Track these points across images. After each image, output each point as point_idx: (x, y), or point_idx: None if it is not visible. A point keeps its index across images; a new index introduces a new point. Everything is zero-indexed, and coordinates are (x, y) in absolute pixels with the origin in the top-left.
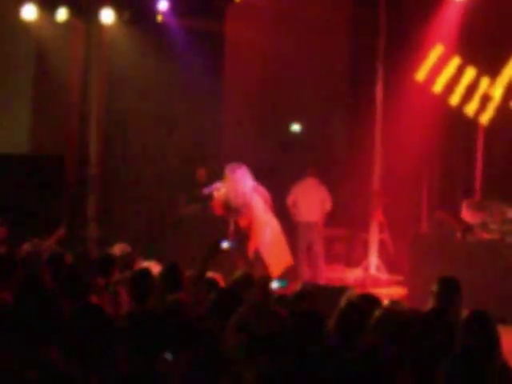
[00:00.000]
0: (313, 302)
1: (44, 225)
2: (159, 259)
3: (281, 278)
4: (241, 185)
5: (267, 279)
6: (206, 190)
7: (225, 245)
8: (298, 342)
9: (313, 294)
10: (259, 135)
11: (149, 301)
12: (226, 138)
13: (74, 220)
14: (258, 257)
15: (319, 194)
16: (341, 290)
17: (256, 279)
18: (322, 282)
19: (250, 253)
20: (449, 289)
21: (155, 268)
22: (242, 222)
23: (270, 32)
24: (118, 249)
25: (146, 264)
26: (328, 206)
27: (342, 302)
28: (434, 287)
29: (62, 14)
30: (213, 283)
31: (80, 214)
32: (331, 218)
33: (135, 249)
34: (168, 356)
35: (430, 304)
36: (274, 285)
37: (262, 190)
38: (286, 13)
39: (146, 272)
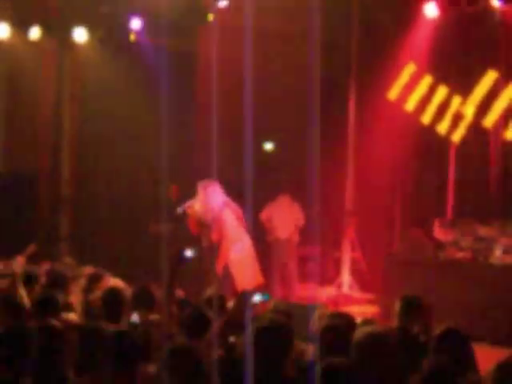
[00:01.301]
0: (287, 318)
1: (16, 242)
2: (130, 278)
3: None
4: (210, 200)
5: (248, 293)
6: (179, 209)
7: (188, 253)
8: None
9: (285, 311)
10: (232, 153)
11: (122, 319)
12: (199, 156)
13: (46, 238)
14: (227, 273)
15: (292, 211)
16: (312, 308)
17: (238, 292)
18: (294, 299)
19: (219, 268)
20: (409, 307)
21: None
22: (214, 237)
23: (243, 50)
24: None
25: (113, 282)
26: (300, 223)
27: (314, 320)
28: (396, 306)
29: (34, 32)
30: (185, 301)
31: (52, 232)
32: (304, 237)
33: (106, 267)
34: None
35: (393, 322)
36: (256, 298)
37: (234, 206)
38: (258, 30)
39: (117, 291)
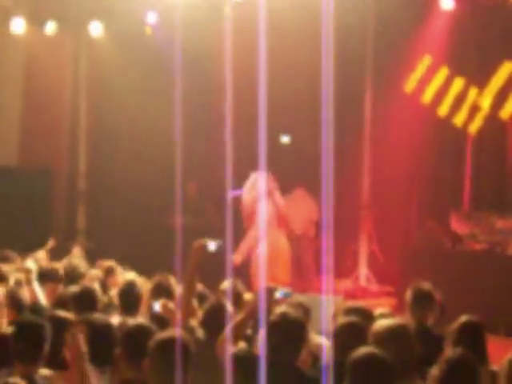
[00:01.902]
0: (304, 312)
1: (33, 237)
2: (148, 271)
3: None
4: (255, 189)
5: (273, 288)
6: (231, 194)
7: (211, 246)
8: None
9: (301, 304)
10: (248, 147)
11: (137, 312)
12: (215, 151)
13: (64, 232)
14: (247, 265)
15: (308, 205)
16: (329, 299)
17: (262, 287)
18: (312, 292)
19: (237, 257)
20: (420, 298)
21: (139, 280)
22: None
23: (257, 43)
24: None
25: (129, 276)
26: (315, 216)
27: (331, 313)
28: (408, 296)
29: (50, 27)
30: (204, 295)
31: (70, 227)
32: (321, 229)
33: (124, 261)
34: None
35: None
36: (279, 294)
37: (279, 203)
38: (273, 25)
39: (133, 284)
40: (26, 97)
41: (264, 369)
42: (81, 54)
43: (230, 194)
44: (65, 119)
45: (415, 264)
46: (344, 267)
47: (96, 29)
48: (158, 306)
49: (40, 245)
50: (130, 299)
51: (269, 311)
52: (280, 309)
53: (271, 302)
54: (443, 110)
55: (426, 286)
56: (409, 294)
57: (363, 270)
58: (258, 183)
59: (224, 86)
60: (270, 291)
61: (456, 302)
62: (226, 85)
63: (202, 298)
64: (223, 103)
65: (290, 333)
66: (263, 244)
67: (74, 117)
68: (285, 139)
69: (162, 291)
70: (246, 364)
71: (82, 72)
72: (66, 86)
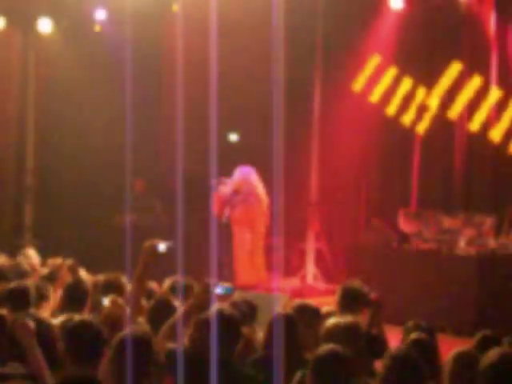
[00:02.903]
0: (251, 309)
1: None
2: (96, 269)
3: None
4: (245, 182)
5: (209, 284)
6: (213, 182)
7: (161, 247)
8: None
9: (248, 302)
10: (197, 145)
11: (84, 310)
12: (164, 148)
13: (11, 229)
14: (230, 264)
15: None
16: (277, 298)
17: (201, 282)
18: (260, 290)
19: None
20: (347, 296)
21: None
22: (237, 216)
23: (207, 40)
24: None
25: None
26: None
27: (277, 309)
28: (336, 295)
29: None
30: (151, 292)
31: (17, 223)
32: (268, 228)
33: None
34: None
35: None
36: (218, 290)
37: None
38: (223, 22)
39: (79, 280)
40: None
41: (196, 366)
42: (29, 49)
43: (213, 183)
44: (13, 115)
45: (362, 262)
46: (291, 265)
47: (45, 24)
48: (106, 301)
49: None
50: (75, 295)
51: (206, 307)
52: (216, 306)
53: (209, 298)
54: (391, 109)
55: (356, 284)
56: (337, 293)
57: (311, 269)
58: (238, 178)
59: (174, 83)
60: (208, 286)
61: (403, 300)
62: (177, 83)
63: (151, 296)
64: (174, 98)
65: (224, 329)
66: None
67: (22, 112)
68: (233, 137)
69: (111, 288)
70: (174, 360)
71: (30, 68)
72: (15, 82)
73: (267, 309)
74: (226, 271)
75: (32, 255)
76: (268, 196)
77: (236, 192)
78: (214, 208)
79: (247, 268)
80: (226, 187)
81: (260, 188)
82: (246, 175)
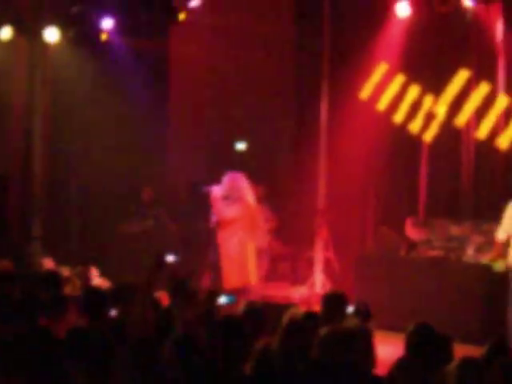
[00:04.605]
0: (259, 319)
1: None
2: (104, 276)
3: (230, 293)
4: (235, 186)
5: (215, 293)
6: (204, 189)
7: (170, 258)
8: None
9: (257, 311)
10: (205, 154)
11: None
12: (172, 157)
13: (19, 238)
14: (218, 266)
15: (261, 214)
16: (285, 307)
17: (204, 292)
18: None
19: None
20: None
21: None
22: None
23: (214, 50)
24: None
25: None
26: (271, 224)
27: (285, 319)
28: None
29: (6, 32)
30: (157, 302)
31: (24, 233)
32: (276, 236)
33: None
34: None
35: None
36: (222, 300)
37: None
38: (230, 30)
39: (98, 290)
40: None
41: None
42: (36, 58)
43: (204, 189)
44: (20, 125)
45: (370, 271)
46: (299, 274)
47: (51, 34)
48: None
49: None
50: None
51: (212, 314)
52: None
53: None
54: (399, 117)
55: (338, 291)
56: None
57: (319, 277)
58: (227, 183)
59: (182, 90)
60: (213, 296)
61: (410, 308)
62: (185, 90)
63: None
64: (182, 107)
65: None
66: (234, 243)
67: (30, 123)
68: (240, 146)
69: (120, 296)
70: None
71: (37, 77)
72: (22, 91)
73: (277, 318)
74: (213, 274)
75: (49, 264)
76: (276, 205)
77: (225, 197)
78: (215, 211)
79: (234, 272)
80: (216, 192)
81: (249, 193)
82: (234, 181)
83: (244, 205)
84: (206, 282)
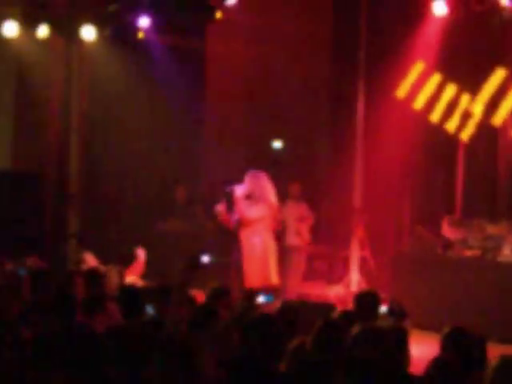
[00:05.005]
0: (295, 318)
1: (22, 242)
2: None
3: (268, 293)
4: (258, 186)
5: (253, 292)
6: (227, 189)
7: (205, 259)
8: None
9: (294, 310)
10: (242, 152)
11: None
12: (209, 156)
13: (54, 237)
14: (240, 267)
15: (300, 213)
16: (321, 306)
17: (242, 291)
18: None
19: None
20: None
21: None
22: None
23: (252, 49)
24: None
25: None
26: (309, 221)
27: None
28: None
29: (43, 30)
30: (192, 300)
31: (60, 232)
32: (312, 236)
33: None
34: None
35: None
36: (260, 299)
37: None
38: (267, 29)
39: (134, 288)
40: (18, 100)
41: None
42: (73, 57)
43: (227, 189)
44: (56, 123)
45: (406, 270)
46: (335, 273)
47: (88, 32)
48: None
49: (32, 249)
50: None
51: (248, 313)
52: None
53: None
54: (435, 116)
55: (371, 291)
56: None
57: (355, 276)
58: (250, 183)
59: (219, 88)
60: (251, 295)
61: (446, 307)
62: (221, 88)
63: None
64: (218, 106)
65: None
66: (256, 243)
67: (66, 120)
68: (277, 145)
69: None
70: None
71: (74, 75)
72: (59, 89)
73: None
74: (237, 273)
75: (90, 260)
76: (312, 203)
77: (248, 197)
78: (237, 210)
79: (256, 271)
80: (238, 192)
81: (271, 193)
82: (257, 180)
83: (266, 204)
84: (230, 281)
